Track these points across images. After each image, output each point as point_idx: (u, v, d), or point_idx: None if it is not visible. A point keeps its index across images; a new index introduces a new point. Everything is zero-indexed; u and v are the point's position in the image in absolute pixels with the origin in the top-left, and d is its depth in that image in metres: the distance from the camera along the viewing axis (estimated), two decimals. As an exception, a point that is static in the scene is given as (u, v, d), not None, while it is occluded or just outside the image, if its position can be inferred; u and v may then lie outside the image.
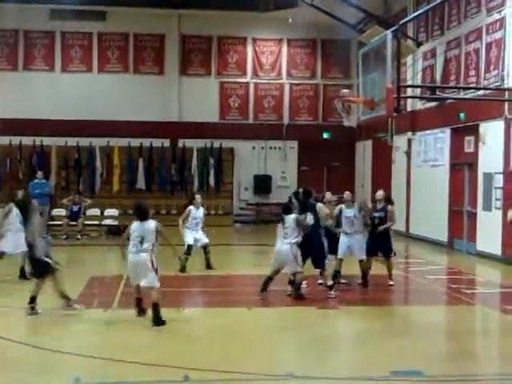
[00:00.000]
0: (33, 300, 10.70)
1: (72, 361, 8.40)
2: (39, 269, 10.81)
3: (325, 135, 28.47)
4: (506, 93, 16.97)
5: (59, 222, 22.16)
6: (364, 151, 28.09)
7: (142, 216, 10.35)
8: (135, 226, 10.31)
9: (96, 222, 23.09)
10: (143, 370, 7.88)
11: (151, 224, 10.30)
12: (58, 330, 10.01)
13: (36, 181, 22.49)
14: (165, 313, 10.15)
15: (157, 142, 27.57)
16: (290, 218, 12.11)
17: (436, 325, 11.12)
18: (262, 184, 28.57)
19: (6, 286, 13.22)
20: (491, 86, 17.72)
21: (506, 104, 16.96)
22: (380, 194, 14.04)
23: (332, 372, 7.99)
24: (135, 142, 27.38)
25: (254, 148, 28.72)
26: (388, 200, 14.02)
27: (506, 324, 11.13)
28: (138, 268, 10.20)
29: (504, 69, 17.38)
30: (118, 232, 21.77)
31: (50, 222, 21.29)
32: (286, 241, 12.04)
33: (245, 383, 7.72)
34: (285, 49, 29.20)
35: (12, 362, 8.37)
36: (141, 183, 27.31)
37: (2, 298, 11.89)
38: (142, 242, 10.15)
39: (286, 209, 12.40)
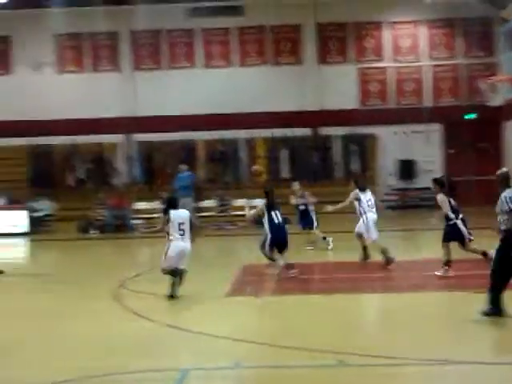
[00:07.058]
0: None
1: (229, 346, 8.70)
2: None
3: (469, 116, 27.49)
4: None
5: (208, 214, 22.87)
6: (512, 131, 26.99)
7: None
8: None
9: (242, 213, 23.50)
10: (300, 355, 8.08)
11: None
12: (213, 316, 10.37)
13: (180, 174, 23.13)
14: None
15: (298, 132, 27.86)
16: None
17: None
18: (406, 169, 28.17)
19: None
20: None
21: None
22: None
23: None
24: (277, 133, 27.80)
25: (395, 133, 28.27)
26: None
27: None
28: None
29: None
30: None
31: (199, 214, 22.07)
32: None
33: (398, 369, 7.71)
34: (423, 30, 28.60)
35: (170, 347, 8.78)
36: (285, 172, 27.66)
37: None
38: None
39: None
